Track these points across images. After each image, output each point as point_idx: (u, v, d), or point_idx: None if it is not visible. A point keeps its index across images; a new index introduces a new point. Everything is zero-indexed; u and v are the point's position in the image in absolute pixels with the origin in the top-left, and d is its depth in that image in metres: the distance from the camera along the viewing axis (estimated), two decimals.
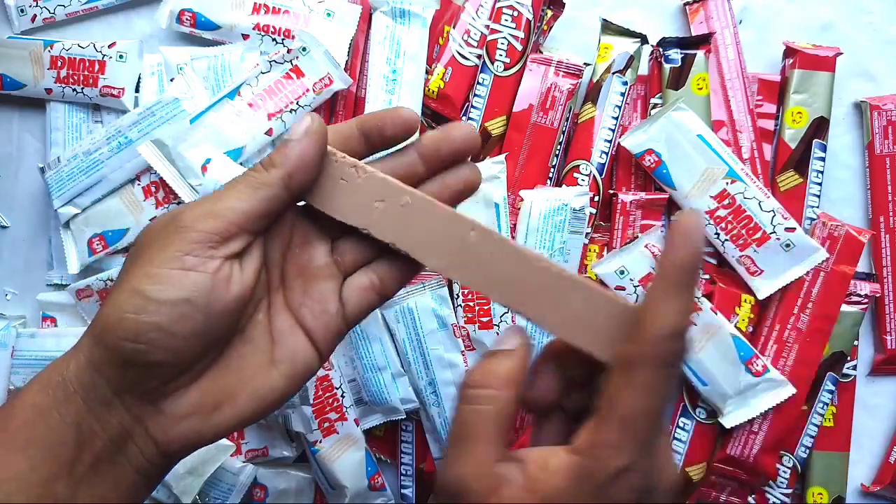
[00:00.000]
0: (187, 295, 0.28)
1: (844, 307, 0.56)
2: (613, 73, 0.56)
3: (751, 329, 0.57)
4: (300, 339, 0.33)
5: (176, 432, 0.30)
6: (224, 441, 0.56)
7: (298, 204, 0.33)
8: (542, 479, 0.27)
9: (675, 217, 0.28)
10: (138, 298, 0.28)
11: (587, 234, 0.56)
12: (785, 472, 0.58)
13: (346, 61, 0.57)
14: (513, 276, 0.31)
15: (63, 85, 0.58)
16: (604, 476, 0.27)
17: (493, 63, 0.57)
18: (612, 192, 0.57)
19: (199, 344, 0.30)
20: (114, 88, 0.57)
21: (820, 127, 0.57)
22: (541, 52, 0.58)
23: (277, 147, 0.31)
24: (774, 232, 0.55)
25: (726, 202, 0.55)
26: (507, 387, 0.29)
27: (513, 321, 0.55)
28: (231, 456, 0.57)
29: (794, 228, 0.55)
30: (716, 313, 0.55)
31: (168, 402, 0.30)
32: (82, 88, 0.57)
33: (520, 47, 0.57)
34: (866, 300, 0.57)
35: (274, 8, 0.57)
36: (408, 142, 0.34)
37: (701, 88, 0.57)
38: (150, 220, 0.57)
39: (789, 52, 0.58)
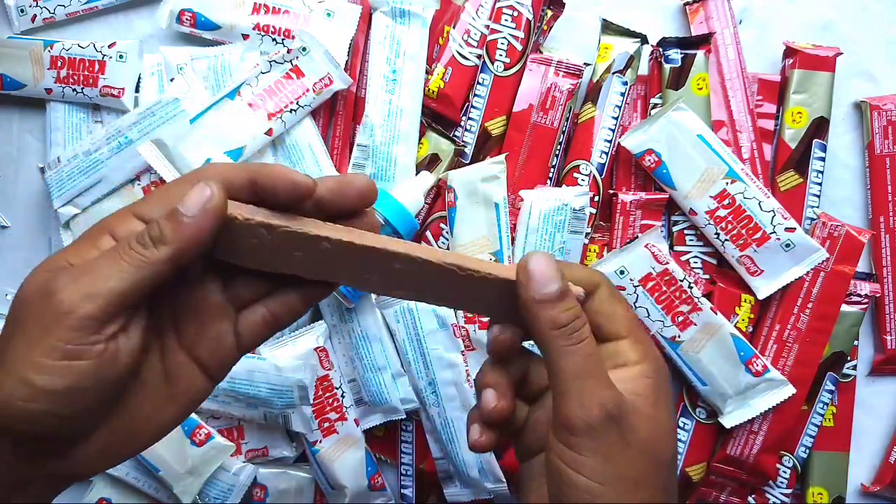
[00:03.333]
0: (72, 382, 0.28)
1: (844, 307, 0.56)
2: (613, 73, 0.56)
3: (751, 329, 0.57)
4: (194, 373, 0.33)
5: (82, 470, 0.31)
6: (224, 441, 0.56)
7: None
8: (636, 384, 0.32)
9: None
10: (27, 388, 0.28)
11: (587, 234, 0.56)
12: (785, 472, 0.58)
13: (346, 61, 0.57)
14: (433, 285, 0.33)
15: (63, 85, 0.58)
16: (663, 369, 0.34)
17: (493, 63, 0.57)
18: (612, 192, 0.57)
19: (94, 412, 0.30)
20: (114, 88, 0.57)
21: (820, 127, 0.57)
22: (541, 52, 0.58)
23: (170, 215, 0.30)
24: (774, 232, 0.55)
25: (726, 202, 0.55)
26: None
27: None
28: (231, 456, 0.57)
29: (794, 228, 0.55)
30: (716, 313, 0.55)
31: (71, 452, 0.30)
32: (82, 88, 0.57)
33: (520, 47, 0.57)
34: (866, 300, 0.57)
35: (274, 8, 0.57)
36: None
37: (701, 88, 0.57)
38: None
39: (789, 52, 0.58)
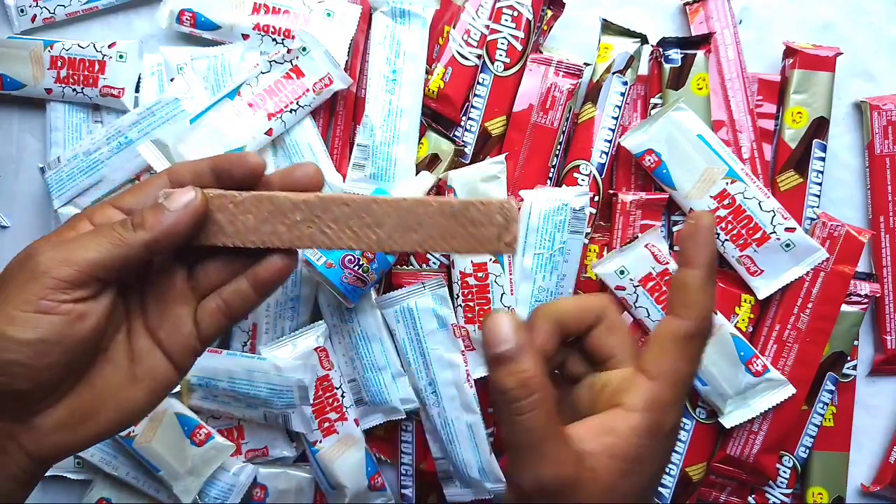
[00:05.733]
0: (42, 335, 0.31)
1: (844, 307, 0.56)
2: (613, 73, 0.56)
3: (751, 329, 0.57)
4: (158, 357, 0.36)
5: (47, 444, 0.33)
6: (224, 441, 0.56)
7: None
8: (618, 442, 0.31)
9: (693, 217, 0.33)
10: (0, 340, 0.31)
11: (587, 234, 0.56)
12: (785, 472, 0.58)
13: (346, 61, 0.57)
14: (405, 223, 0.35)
15: (63, 85, 0.58)
16: (667, 429, 0.32)
17: (493, 63, 0.57)
18: (612, 192, 0.57)
19: (60, 372, 0.32)
20: (114, 88, 0.57)
21: (820, 127, 0.57)
22: (541, 52, 0.58)
23: (153, 207, 0.33)
24: (774, 232, 0.55)
25: (726, 202, 0.55)
26: (543, 385, 0.31)
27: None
28: (231, 456, 0.57)
29: (794, 228, 0.55)
30: (716, 313, 0.55)
31: (37, 419, 0.33)
32: (82, 88, 0.58)
33: (520, 47, 0.57)
34: (866, 300, 0.57)
35: (274, 8, 0.57)
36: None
37: (701, 88, 0.57)
38: None
39: (789, 52, 0.58)
